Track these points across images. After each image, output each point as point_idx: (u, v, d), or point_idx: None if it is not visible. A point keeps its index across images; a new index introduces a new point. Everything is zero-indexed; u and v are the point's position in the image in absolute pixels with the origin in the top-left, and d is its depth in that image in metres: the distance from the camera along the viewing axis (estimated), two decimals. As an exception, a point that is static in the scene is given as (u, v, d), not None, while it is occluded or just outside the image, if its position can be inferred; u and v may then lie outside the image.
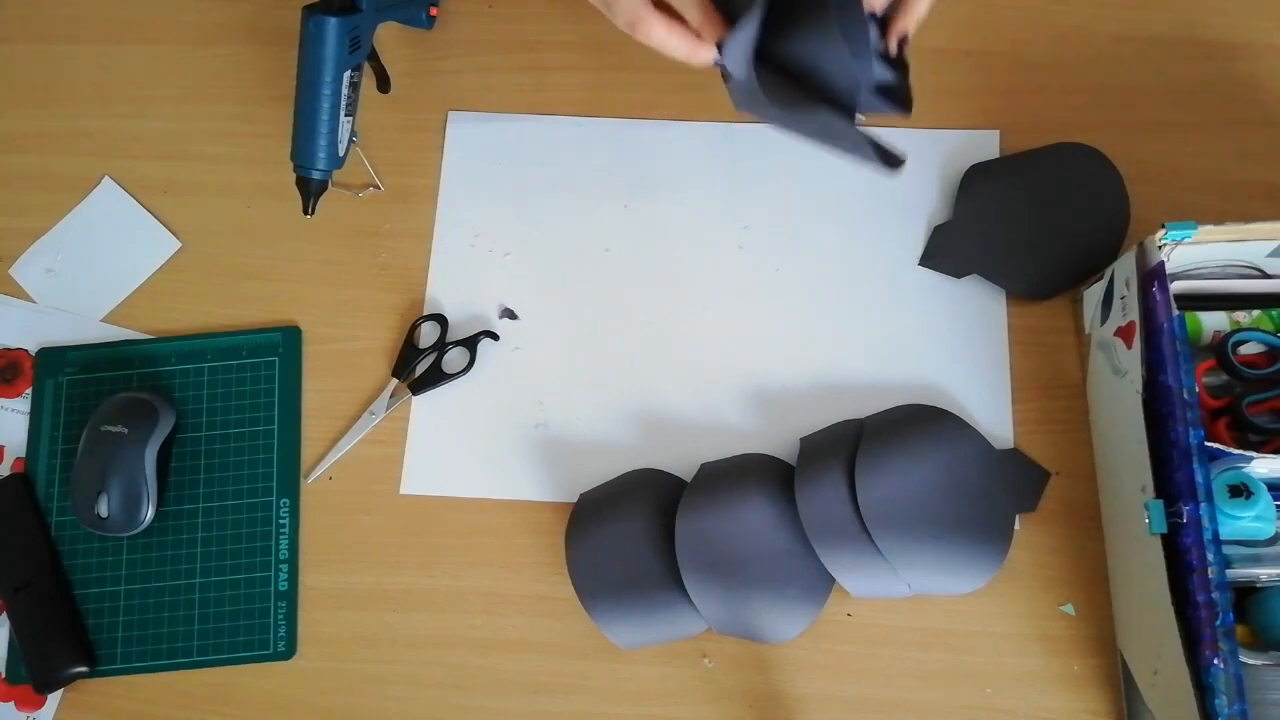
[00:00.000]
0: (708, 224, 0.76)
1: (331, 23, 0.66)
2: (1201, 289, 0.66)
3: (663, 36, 0.58)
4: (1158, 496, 0.59)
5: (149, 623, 0.70)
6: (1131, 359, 0.62)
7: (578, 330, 0.74)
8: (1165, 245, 0.61)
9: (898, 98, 0.61)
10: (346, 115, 0.69)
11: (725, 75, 0.60)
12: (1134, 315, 0.62)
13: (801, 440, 0.69)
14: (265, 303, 0.76)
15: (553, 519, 0.70)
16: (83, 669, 0.68)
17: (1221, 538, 0.57)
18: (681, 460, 0.70)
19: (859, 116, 0.58)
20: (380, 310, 0.75)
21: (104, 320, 0.77)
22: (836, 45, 0.56)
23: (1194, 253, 0.64)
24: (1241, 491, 0.60)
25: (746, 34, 0.56)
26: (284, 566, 0.70)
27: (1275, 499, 0.61)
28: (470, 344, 0.73)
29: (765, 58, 0.58)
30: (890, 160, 0.59)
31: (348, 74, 0.68)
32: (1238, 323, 0.66)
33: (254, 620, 0.69)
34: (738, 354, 0.73)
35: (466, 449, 0.72)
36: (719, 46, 0.57)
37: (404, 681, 0.68)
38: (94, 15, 0.84)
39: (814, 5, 0.56)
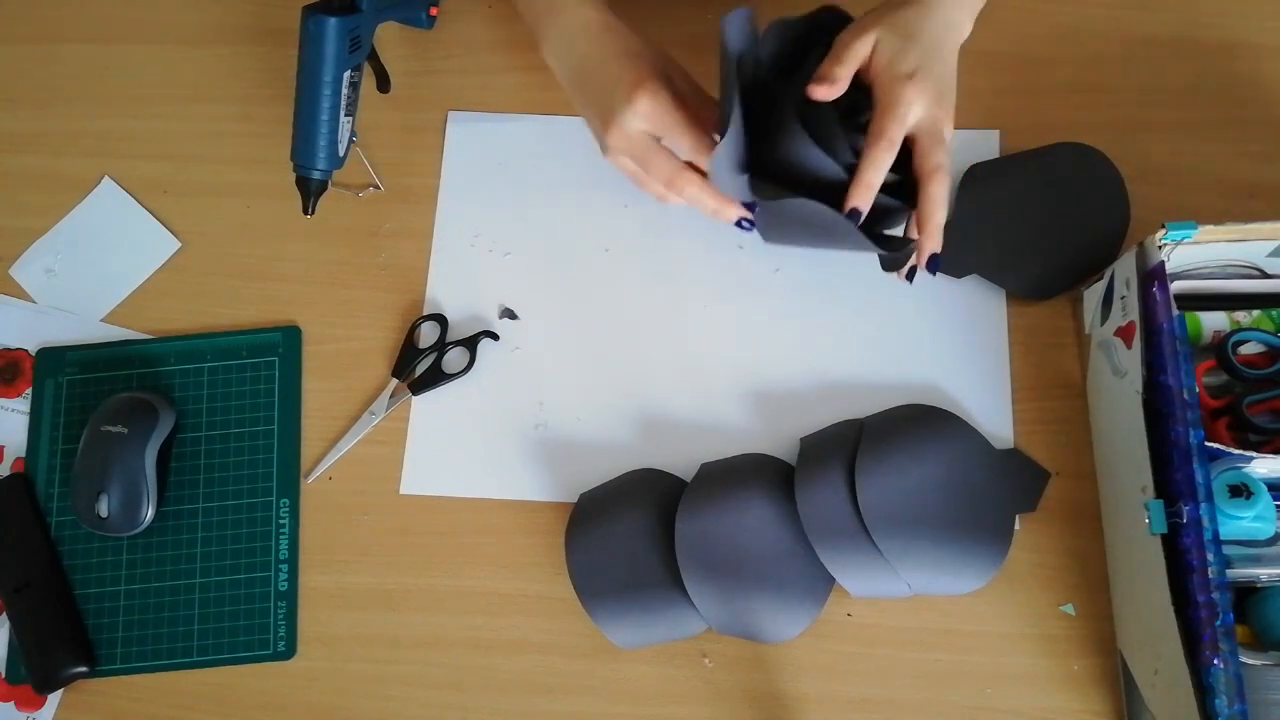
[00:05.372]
0: (708, 224, 0.75)
1: (331, 22, 0.66)
2: (1201, 289, 0.66)
3: (696, 193, 0.62)
4: (1158, 496, 0.59)
5: (149, 623, 0.70)
6: (1131, 359, 0.62)
7: (578, 330, 0.74)
8: (1165, 245, 0.61)
9: (891, 244, 0.63)
10: (346, 115, 0.69)
11: (749, 225, 0.64)
12: (1134, 315, 0.62)
13: (801, 440, 0.69)
14: (265, 303, 0.76)
15: (553, 519, 0.70)
16: (82, 669, 0.68)
17: (1221, 538, 0.57)
18: (681, 460, 0.70)
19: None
20: (380, 310, 0.75)
21: (104, 320, 0.77)
22: (806, 144, 0.59)
23: (1194, 253, 0.64)
24: (1242, 491, 0.60)
25: (728, 146, 0.58)
26: (284, 566, 0.70)
27: (1275, 499, 0.61)
28: (470, 344, 0.73)
29: (765, 178, 0.61)
30: (891, 263, 0.63)
31: (348, 74, 0.68)
32: (1238, 323, 0.66)
33: (254, 620, 0.69)
34: (738, 354, 0.73)
35: (466, 449, 0.72)
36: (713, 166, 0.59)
37: (404, 681, 0.68)
38: (94, 15, 0.84)
39: (784, 115, 0.59)
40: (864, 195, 0.58)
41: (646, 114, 0.60)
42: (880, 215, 0.62)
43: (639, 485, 0.69)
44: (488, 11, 0.82)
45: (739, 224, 0.63)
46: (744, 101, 0.60)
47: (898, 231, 0.65)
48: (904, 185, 0.61)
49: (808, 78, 0.60)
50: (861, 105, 0.61)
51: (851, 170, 0.59)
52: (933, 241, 0.61)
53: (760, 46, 0.62)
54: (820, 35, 0.62)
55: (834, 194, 0.59)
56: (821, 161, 0.59)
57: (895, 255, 0.63)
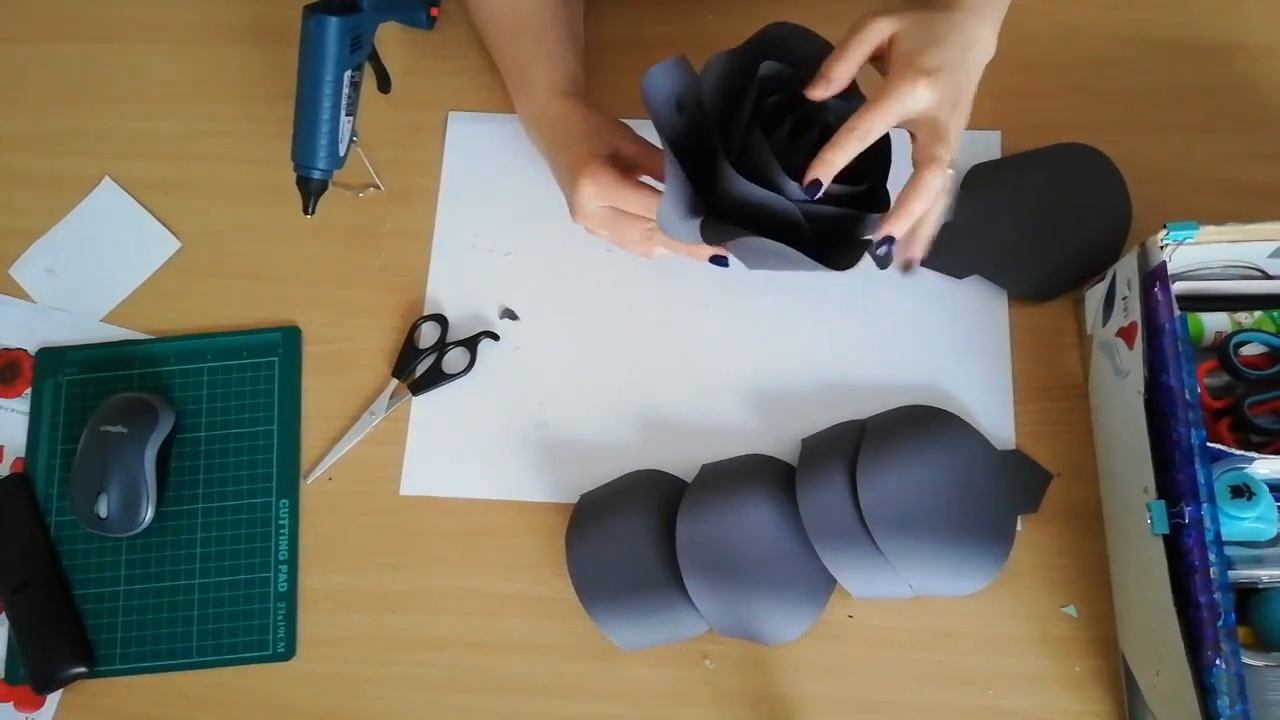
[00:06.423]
0: (709, 224, 0.76)
1: (332, 22, 0.65)
2: (1203, 290, 0.66)
3: (667, 241, 0.65)
4: (1159, 497, 0.59)
5: (148, 623, 0.70)
6: (1133, 359, 0.62)
7: (578, 330, 0.74)
8: (1167, 246, 0.61)
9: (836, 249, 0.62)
10: (347, 115, 0.69)
11: (724, 263, 0.65)
12: (1136, 316, 0.62)
13: (803, 441, 0.69)
14: (265, 303, 0.76)
15: (553, 520, 0.70)
16: (82, 669, 0.68)
17: (1223, 539, 0.57)
18: (682, 461, 0.70)
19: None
20: (380, 310, 0.75)
21: (104, 320, 0.76)
22: (740, 181, 0.59)
23: (1196, 253, 0.64)
24: (1243, 492, 0.60)
25: (669, 199, 0.59)
26: (283, 567, 0.70)
27: (1277, 500, 0.61)
28: (470, 344, 0.73)
29: (721, 215, 0.62)
30: (839, 264, 0.62)
31: (348, 74, 0.68)
32: (1239, 324, 0.66)
33: (253, 621, 0.69)
34: (738, 354, 0.73)
35: (467, 449, 0.72)
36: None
37: (403, 682, 0.68)
38: (94, 15, 0.84)
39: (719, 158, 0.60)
40: (822, 170, 0.57)
41: (593, 193, 0.64)
42: (835, 227, 0.61)
43: (640, 486, 0.69)
44: (488, 12, 0.82)
45: (714, 261, 0.65)
46: (687, 146, 0.61)
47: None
48: (865, 196, 0.61)
49: (743, 119, 0.60)
50: (814, 120, 0.61)
51: (799, 196, 0.59)
52: (898, 225, 0.58)
53: (700, 84, 0.61)
54: (770, 53, 0.61)
55: (783, 221, 0.59)
56: (761, 194, 0.59)
57: (881, 252, 0.61)
